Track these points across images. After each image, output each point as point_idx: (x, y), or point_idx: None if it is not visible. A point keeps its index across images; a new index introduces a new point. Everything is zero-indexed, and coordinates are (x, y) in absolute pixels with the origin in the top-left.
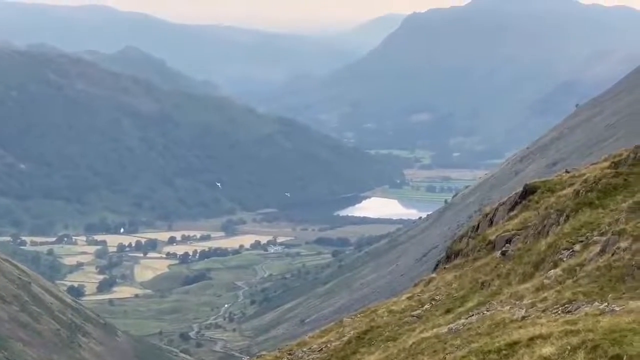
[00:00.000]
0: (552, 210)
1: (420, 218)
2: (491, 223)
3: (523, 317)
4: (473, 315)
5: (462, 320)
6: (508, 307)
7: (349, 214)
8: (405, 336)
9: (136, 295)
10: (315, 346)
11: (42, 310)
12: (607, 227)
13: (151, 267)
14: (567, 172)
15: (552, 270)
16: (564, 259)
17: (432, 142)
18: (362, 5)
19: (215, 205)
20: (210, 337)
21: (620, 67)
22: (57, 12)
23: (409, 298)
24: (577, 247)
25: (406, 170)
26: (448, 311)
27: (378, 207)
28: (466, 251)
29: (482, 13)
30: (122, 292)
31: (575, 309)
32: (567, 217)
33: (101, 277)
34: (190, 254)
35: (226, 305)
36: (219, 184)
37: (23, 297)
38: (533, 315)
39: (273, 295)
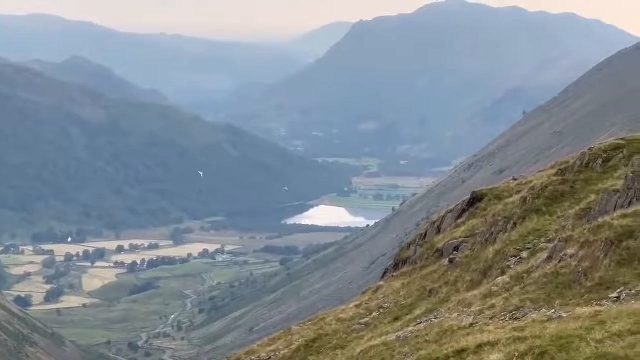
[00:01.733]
0: (499, 218)
1: (368, 226)
2: (439, 231)
3: (471, 324)
4: (421, 322)
5: (411, 328)
6: (456, 315)
7: (297, 222)
8: (354, 344)
9: (84, 305)
10: (263, 355)
11: None
12: (554, 234)
13: (99, 277)
14: (514, 179)
15: (499, 278)
16: (512, 266)
17: (380, 150)
18: (310, 14)
19: (163, 214)
20: (159, 347)
21: (567, 75)
22: (3, 21)
23: (357, 306)
24: (524, 254)
25: (354, 178)
26: (396, 319)
27: (326, 215)
28: (414, 259)
29: (429, 20)
30: (70, 301)
31: (523, 316)
32: (515, 224)
33: (49, 286)
34: (139, 262)
35: (174, 314)
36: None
37: None
38: (481, 323)
39: (221, 304)
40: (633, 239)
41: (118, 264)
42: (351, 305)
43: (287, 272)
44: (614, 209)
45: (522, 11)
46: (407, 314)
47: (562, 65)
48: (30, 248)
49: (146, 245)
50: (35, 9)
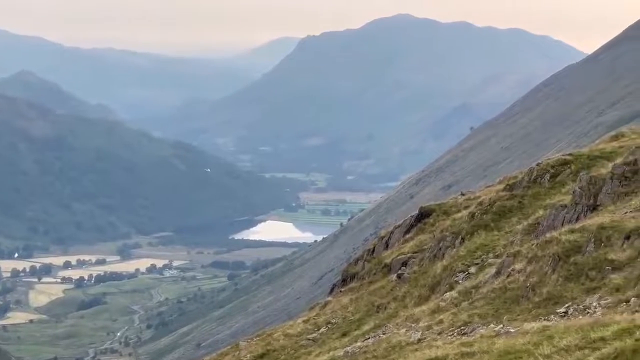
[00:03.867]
0: (447, 233)
1: (315, 241)
2: (387, 246)
3: (419, 340)
4: (369, 338)
5: (359, 344)
6: (404, 330)
7: (245, 238)
8: (302, 359)
9: (31, 321)
10: None
11: None
12: (502, 249)
13: (46, 292)
14: (462, 194)
15: (447, 293)
16: (460, 282)
17: (327, 165)
18: (257, 29)
19: (111, 229)
20: None
21: (515, 90)
22: None
23: (305, 321)
24: (472, 269)
25: (301, 193)
26: (344, 334)
27: (274, 230)
28: (362, 274)
29: (376, 36)
30: (16, 317)
31: (471, 331)
32: (463, 239)
33: None
34: (86, 278)
35: (122, 330)
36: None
37: None
38: (429, 338)
39: (169, 319)
40: (581, 254)
41: (65, 280)
42: (299, 321)
43: (235, 287)
44: (562, 224)
45: (469, 26)
46: (355, 330)
47: (509, 80)
48: None
49: (93, 260)
50: None
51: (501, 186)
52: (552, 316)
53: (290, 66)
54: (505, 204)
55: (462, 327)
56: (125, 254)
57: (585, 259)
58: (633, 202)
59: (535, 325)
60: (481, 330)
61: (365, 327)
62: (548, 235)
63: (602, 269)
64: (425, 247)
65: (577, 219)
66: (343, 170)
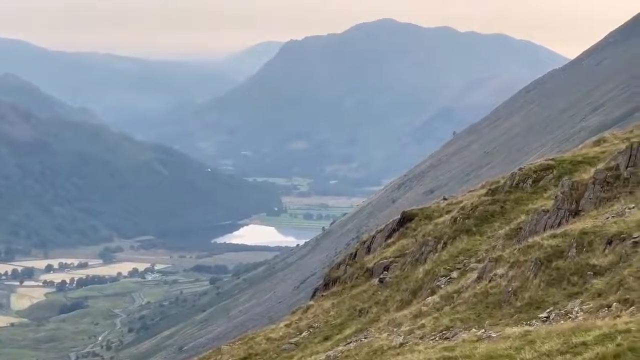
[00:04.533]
0: (429, 238)
1: (298, 245)
2: (369, 250)
3: (401, 344)
4: (351, 342)
5: (340, 348)
6: (386, 334)
7: (227, 242)
8: None
9: (12, 324)
10: None
11: None
12: (484, 254)
13: (28, 296)
14: (444, 199)
15: (429, 297)
16: (442, 286)
17: (310, 169)
18: (240, 33)
19: (93, 233)
20: None
21: (497, 95)
22: None
23: (287, 325)
24: (454, 274)
25: (284, 197)
26: (326, 338)
27: (256, 234)
28: (344, 278)
29: (359, 41)
30: None
31: (453, 336)
32: (445, 244)
33: None
34: (68, 282)
35: (104, 334)
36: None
37: None
38: (411, 342)
39: (151, 323)
40: (562, 259)
41: (47, 283)
42: (281, 325)
43: (217, 291)
44: (544, 229)
45: (452, 31)
46: (337, 334)
47: (492, 85)
48: None
49: (75, 264)
50: None
51: (483, 191)
52: (533, 321)
53: (273, 70)
54: (488, 209)
55: (444, 332)
56: (107, 258)
57: (567, 264)
58: (615, 207)
59: (517, 330)
60: (463, 335)
61: (347, 331)
62: (530, 240)
63: (584, 274)
64: (407, 251)
65: (559, 224)
66: (325, 175)
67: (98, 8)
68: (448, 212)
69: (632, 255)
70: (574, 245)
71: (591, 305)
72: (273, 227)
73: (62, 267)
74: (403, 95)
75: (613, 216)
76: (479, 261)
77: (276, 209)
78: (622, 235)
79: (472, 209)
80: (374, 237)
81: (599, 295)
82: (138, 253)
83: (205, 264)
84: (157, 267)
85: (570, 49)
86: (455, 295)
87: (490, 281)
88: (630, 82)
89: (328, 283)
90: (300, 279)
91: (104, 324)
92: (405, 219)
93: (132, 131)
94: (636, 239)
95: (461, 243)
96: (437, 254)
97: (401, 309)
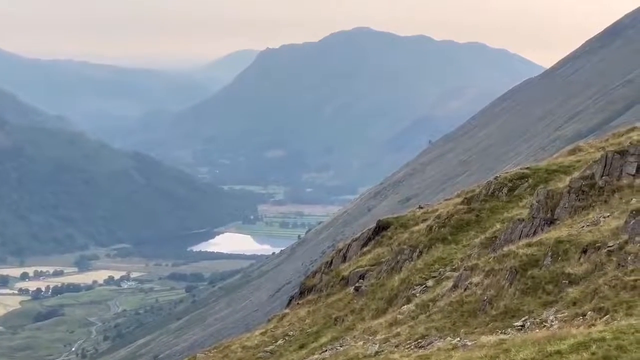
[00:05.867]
0: (405, 246)
1: (273, 254)
2: (344, 259)
3: (376, 353)
4: (327, 350)
5: (316, 356)
6: (361, 343)
7: (203, 250)
8: None
9: None
10: None
11: None
12: (459, 263)
13: (2, 304)
14: (420, 208)
15: (405, 306)
16: (417, 295)
17: (286, 177)
18: (216, 41)
19: (68, 241)
20: None
21: (473, 104)
22: None
23: (262, 334)
24: (430, 282)
25: (260, 205)
26: (302, 347)
27: (232, 242)
28: (320, 287)
29: (335, 49)
30: None
31: (428, 344)
32: (420, 252)
33: None
34: (43, 289)
35: (79, 342)
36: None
37: None
38: (386, 351)
39: (126, 331)
40: (538, 267)
41: (22, 291)
42: (257, 333)
43: (193, 299)
44: (519, 238)
45: (429, 40)
46: (313, 342)
47: (468, 94)
48: None
49: (51, 272)
50: None
51: (459, 200)
52: (509, 329)
53: (250, 79)
54: (463, 218)
55: (419, 340)
56: (83, 266)
57: (543, 272)
58: (590, 216)
59: (492, 338)
60: (438, 343)
61: (323, 340)
62: (505, 248)
63: (559, 283)
64: (383, 260)
65: (535, 233)
66: (302, 183)
67: (75, 15)
68: (424, 220)
69: (607, 264)
70: (549, 254)
71: (566, 313)
72: (249, 235)
73: (38, 275)
74: (379, 104)
75: (588, 225)
76: (454, 270)
77: (252, 217)
78: (597, 244)
79: (447, 218)
80: (349, 245)
81: (574, 303)
82: (114, 261)
83: (181, 272)
84: (133, 275)
85: (546, 58)
86: (430, 303)
87: (465, 290)
88: (605, 91)
89: (304, 291)
90: (276, 287)
91: (79, 332)
92: (381, 228)
93: (108, 139)
94: (611, 248)
95: (437, 251)
96: (412, 263)
97: (377, 317)
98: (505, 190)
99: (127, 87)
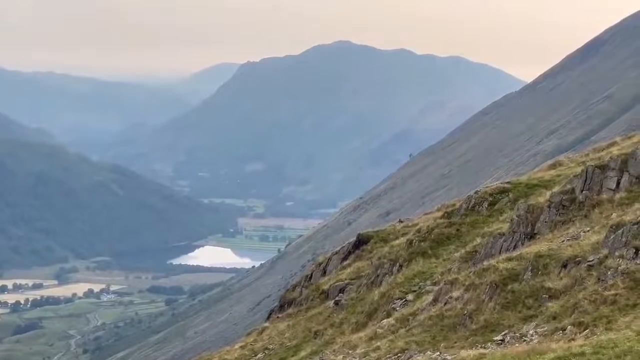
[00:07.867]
0: (385, 260)
1: (253, 267)
2: (324, 272)
3: None
4: None
5: None
6: (341, 357)
7: (183, 263)
8: None
9: None
10: None
11: None
12: (439, 277)
13: None
14: (400, 222)
15: (385, 320)
16: (397, 309)
17: (266, 191)
18: (196, 55)
19: (48, 254)
20: None
21: (454, 118)
22: None
23: (242, 347)
24: (410, 296)
25: (240, 219)
26: None
27: (212, 255)
28: (299, 300)
29: (316, 63)
30: None
31: (408, 358)
32: (401, 266)
33: None
34: (22, 302)
35: (58, 355)
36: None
37: None
38: None
39: (105, 344)
40: (518, 282)
41: (1, 304)
42: (236, 347)
43: (173, 313)
44: (500, 252)
45: (409, 54)
46: (292, 356)
47: (449, 108)
48: None
49: (30, 284)
50: None
51: (439, 214)
52: (489, 344)
53: (230, 92)
54: (443, 232)
55: (399, 354)
56: (62, 279)
57: (523, 287)
58: (570, 231)
59: (472, 352)
60: (418, 358)
61: (303, 353)
62: (486, 263)
63: (539, 297)
64: (363, 274)
65: (515, 247)
66: (282, 196)
67: (55, 27)
68: (404, 234)
69: (587, 278)
70: (530, 268)
71: (546, 328)
72: (229, 249)
73: (17, 288)
74: (360, 118)
75: (568, 239)
76: (434, 284)
77: (232, 230)
78: (577, 259)
79: (428, 232)
80: (329, 259)
81: (554, 318)
82: (93, 274)
83: (160, 285)
84: (113, 287)
85: (527, 73)
86: (410, 317)
87: (445, 304)
88: (585, 106)
89: (283, 305)
90: (255, 301)
91: (58, 345)
92: (361, 242)
93: (88, 152)
94: (591, 263)
95: (417, 265)
96: (392, 277)
97: (356, 331)
98: (485, 204)
99: (108, 99)
